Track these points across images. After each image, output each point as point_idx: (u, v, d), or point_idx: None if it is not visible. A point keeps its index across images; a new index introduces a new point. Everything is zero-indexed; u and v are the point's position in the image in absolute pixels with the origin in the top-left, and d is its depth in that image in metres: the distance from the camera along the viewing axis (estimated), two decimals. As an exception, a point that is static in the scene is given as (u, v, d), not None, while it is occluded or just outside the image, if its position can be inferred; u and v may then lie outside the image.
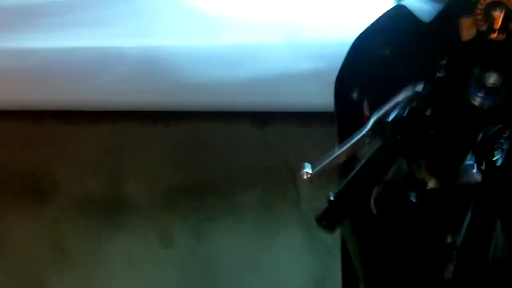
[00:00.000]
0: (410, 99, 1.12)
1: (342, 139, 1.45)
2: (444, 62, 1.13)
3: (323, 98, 2.61)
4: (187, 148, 2.82)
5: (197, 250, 2.58)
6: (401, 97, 1.18)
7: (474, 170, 1.17)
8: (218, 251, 2.58)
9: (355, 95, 1.42)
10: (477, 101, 1.10)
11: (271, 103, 2.84)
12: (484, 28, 1.19)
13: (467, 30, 1.19)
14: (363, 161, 1.08)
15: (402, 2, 1.21)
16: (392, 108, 1.17)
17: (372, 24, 1.28)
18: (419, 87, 1.13)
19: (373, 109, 1.38)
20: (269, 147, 2.89)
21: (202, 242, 2.59)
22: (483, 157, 1.15)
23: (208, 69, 2.68)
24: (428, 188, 1.19)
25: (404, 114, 1.09)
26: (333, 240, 2.59)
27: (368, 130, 1.15)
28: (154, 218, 2.63)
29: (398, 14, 1.22)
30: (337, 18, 2.49)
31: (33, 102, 2.75)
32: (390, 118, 1.10)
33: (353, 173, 1.08)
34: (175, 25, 2.58)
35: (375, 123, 1.16)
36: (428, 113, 1.08)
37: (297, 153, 2.88)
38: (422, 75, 1.15)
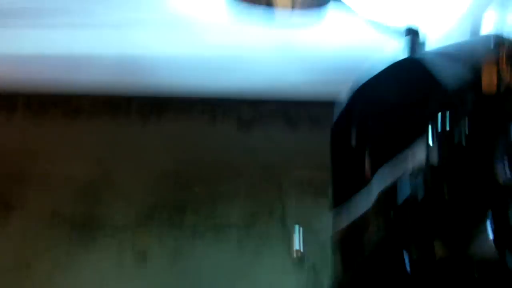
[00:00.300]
0: (423, 173, 0.93)
1: (337, 190, 1.28)
2: (465, 125, 0.95)
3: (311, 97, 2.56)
4: (166, 157, 2.66)
5: (174, 270, 2.41)
6: (410, 163, 1.00)
7: (490, 236, 1.00)
8: (196, 272, 2.41)
9: (353, 141, 1.24)
10: (503, 178, 0.92)
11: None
12: (508, 77, 1.02)
13: (489, 79, 1.02)
14: (366, 253, 0.88)
15: (417, 57, 1.02)
16: (399, 179, 0.99)
17: (381, 71, 1.10)
18: (433, 156, 0.94)
19: (374, 162, 1.20)
20: (254, 153, 2.72)
21: (180, 261, 2.42)
22: (501, 230, 0.98)
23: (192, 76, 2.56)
24: (434, 255, 1.02)
25: (417, 196, 0.89)
26: (320, 260, 2.44)
27: (371, 207, 0.96)
28: (129, 236, 2.45)
29: (413, 68, 1.04)
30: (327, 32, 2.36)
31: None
32: (398, 198, 0.91)
33: (355, 266, 0.88)
34: (165, 35, 2.49)
35: (379, 197, 0.97)
36: (446, 196, 0.88)
37: (283, 161, 2.71)
38: (437, 140, 0.97)
